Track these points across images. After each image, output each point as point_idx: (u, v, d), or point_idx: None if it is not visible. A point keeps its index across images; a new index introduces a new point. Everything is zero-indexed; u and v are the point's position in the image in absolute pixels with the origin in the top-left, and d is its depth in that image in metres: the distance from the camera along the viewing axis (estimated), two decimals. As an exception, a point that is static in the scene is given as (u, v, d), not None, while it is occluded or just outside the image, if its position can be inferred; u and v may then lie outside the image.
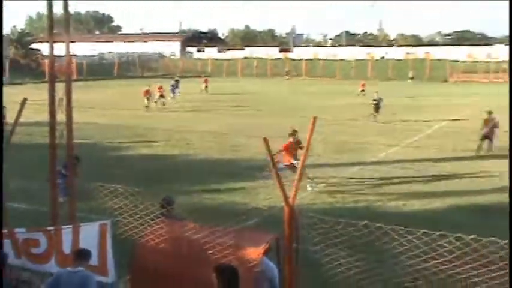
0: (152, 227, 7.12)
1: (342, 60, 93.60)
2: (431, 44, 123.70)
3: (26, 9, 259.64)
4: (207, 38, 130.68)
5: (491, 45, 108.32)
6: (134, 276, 7.26)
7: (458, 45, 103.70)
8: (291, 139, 15.92)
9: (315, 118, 6.51)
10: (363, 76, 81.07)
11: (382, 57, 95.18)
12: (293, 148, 15.86)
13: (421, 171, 18.25)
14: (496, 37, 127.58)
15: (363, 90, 47.42)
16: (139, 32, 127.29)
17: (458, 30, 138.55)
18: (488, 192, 15.59)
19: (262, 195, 14.87)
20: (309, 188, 15.47)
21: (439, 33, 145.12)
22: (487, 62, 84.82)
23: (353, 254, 6.94)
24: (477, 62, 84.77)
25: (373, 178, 17.46)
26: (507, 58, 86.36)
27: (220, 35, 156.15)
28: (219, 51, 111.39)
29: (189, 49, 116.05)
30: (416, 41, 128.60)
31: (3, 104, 12.55)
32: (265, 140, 5.98)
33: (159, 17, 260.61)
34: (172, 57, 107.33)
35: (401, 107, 37.41)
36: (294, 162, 15.29)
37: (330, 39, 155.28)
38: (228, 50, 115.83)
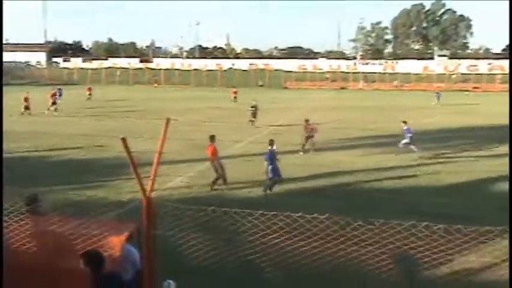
0: (18, 223, 6.63)
1: (195, 70, 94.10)
2: (270, 57, 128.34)
3: None
4: (72, 49, 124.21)
5: (316, 58, 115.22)
6: (4, 275, 6.72)
7: (291, 58, 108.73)
8: (212, 143, 15.99)
9: (168, 119, 6.46)
10: (213, 83, 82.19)
11: (230, 68, 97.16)
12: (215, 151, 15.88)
13: (262, 163, 18.85)
14: (320, 52, 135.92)
15: (235, 97, 47.51)
16: (5, 42, 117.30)
17: (291, 46, 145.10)
18: (316, 178, 16.56)
19: (126, 189, 14.45)
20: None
21: (276, 48, 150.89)
22: (313, 72, 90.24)
23: (204, 236, 7.09)
24: (306, 72, 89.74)
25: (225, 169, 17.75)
26: (329, 69, 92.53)
27: (84, 46, 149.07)
28: (84, 61, 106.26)
29: (55, 59, 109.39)
30: (258, 55, 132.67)
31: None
32: (123, 140, 5.81)
33: (24, 29, 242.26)
34: (39, 66, 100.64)
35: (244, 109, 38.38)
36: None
37: (185, 51, 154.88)
38: (93, 60, 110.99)
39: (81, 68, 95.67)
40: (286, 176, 16.59)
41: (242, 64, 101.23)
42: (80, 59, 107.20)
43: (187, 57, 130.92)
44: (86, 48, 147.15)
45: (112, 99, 50.27)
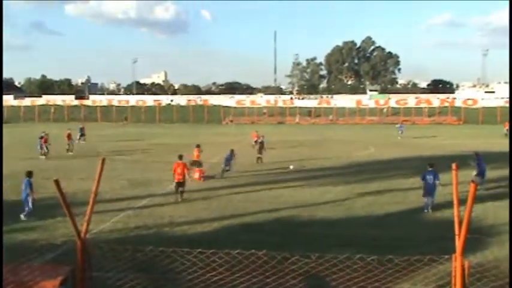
0: None
1: (133, 106, 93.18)
2: (208, 92, 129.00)
3: None
4: (3, 87, 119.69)
5: (254, 94, 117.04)
6: None
7: (229, 94, 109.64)
8: (180, 161, 18.75)
9: (103, 160, 6.43)
10: (152, 120, 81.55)
11: (169, 104, 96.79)
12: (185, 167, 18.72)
13: (203, 199, 18.81)
14: (257, 87, 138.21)
15: (256, 141, 40.03)
16: None
17: (230, 81, 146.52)
18: (255, 213, 16.57)
19: (61, 231, 13.92)
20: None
21: (214, 83, 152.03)
22: (251, 107, 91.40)
23: (141, 276, 6.94)
24: (244, 107, 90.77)
25: (162, 206, 17.53)
26: (266, 104, 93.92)
27: (16, 83, 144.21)
28: (15, 99, 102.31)
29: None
30: (196, 90, 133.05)
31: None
32: (56, 181, 5.71)
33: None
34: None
35: (183, 144, 38.17)
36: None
37: (123, 88, 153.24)
38: (25, 97, 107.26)
39: (12, 106, 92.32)
40: (225, 212, 16.61)
41: (180, 100, 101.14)
42: (11, 96, 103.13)
43: (125, 94, 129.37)
44: (18, 86, 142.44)
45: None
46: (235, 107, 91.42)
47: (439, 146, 39.59)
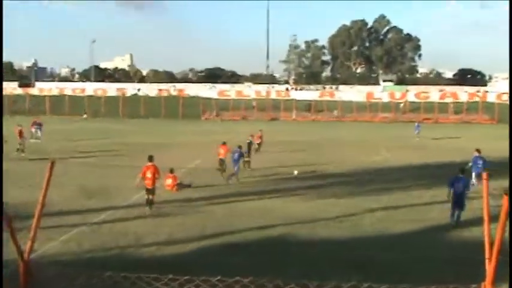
0: None
1: (90, 96, 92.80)
2: (185, 80, 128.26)
3: None
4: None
5: (241, 83, 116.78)
6: None
7: (210, 83, 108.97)
8: (149, 163, 19.38)
9: (52, 163, 6.41)
10: (114, 113, 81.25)
11: (135, 94, 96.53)
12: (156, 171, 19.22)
13: (177, 213, 18.77)
14: (245, 75, 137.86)
15: (259, 144, 38.09)
16: None
17: (211, 67, 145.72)
18: (242, 230, 16.58)
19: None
20: None
21: (192, 70, 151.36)
22: (237, 99, 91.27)
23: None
24: (228, 99, 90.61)
25: (125, 221, 17.46)
26: (256, 96, 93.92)
27: None
28: None
29: None
30: (169, 78, 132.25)
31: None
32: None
33: None
34: None
35: (153, 144, 38.05)
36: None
37: (78, 73, 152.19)
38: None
39: None
40: (204, 230, 16.58)
41: (149, 89, 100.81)
42: None
43: (81, 81, 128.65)
44: None
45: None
46: (217, 99, 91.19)
47: (467, 150, 39.81)
